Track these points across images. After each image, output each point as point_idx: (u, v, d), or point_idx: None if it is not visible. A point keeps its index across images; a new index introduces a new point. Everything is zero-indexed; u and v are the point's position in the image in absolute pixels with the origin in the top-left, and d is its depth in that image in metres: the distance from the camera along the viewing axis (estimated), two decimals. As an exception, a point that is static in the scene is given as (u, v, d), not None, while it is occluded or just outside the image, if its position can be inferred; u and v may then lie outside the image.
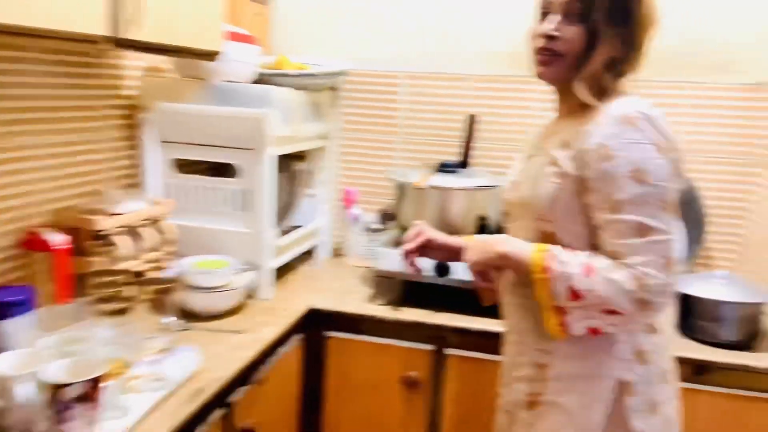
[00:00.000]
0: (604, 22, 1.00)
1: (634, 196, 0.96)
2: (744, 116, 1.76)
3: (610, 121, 0.98)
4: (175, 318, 1.41)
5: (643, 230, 0.96)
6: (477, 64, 1.92)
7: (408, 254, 1.24)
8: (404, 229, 1.74)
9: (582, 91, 1.03)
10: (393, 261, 1.64)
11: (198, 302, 1.46)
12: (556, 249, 1.02)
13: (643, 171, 0.95)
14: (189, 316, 1.45)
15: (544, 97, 1.67)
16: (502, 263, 1.10)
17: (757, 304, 1.47)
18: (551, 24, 1.04)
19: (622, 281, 0.96)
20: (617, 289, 0.96)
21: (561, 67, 1.04)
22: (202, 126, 1.60)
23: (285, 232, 1.80)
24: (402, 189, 1.72)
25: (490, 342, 1.37)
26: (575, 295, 0.98)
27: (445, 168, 1.73)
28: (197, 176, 1.68)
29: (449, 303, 1.60)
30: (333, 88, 1.99)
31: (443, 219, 1.65)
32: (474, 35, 1.91)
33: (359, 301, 1.67)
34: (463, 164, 1.93)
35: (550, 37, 1.04)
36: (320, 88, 1.82)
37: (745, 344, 1.47)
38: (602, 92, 1.03)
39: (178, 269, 1.51)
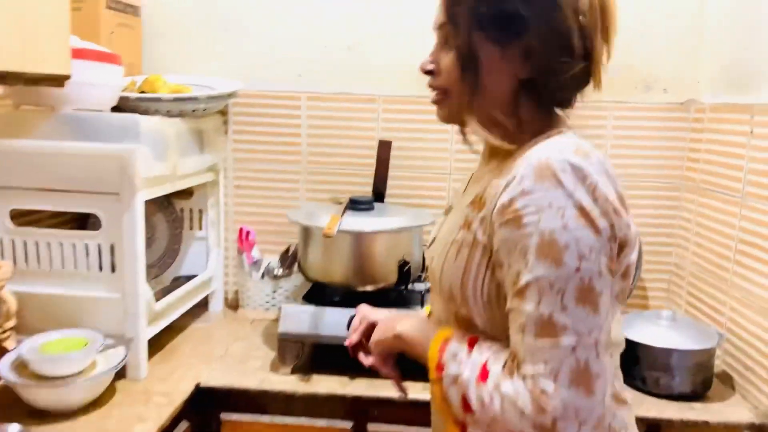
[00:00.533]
0: (479, 37, 0.77)
1: (540, 279, 0.69)
2: (669, 137, 1.64)
3: (524, 173, 0.72)
4: (18, 426, 1.06)
5: (546, 328, 0.69)
6: (388, 84, 1.69)
7: (354, 350, 1.01)
8: (310, 278, 1.48)
9: (480, 131, 0.81)
10: (299, 319, 1.37)
11: (45, 398, 1.13)
12: (456, 340, 0.79)
13: (555, 244, 0.68)
14: (37, 415, 1.11)
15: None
16: (400, 347, 0.89)
17: (710, 349, 1.32)
18: (429, 55, 0.84)
19: (513, 397, 0.70)
20: (509, 407, 0.70)
21: (450, 105, 0.83)
22: (50, 167, 1.26)
23: (164, 291, 1.48)
24: (307, 233, 1.46)
25: (420, 412, 1.12)
26: (466, 406, 0.75)
27: (356, 205, 1.48)
28: (46, 230, 1.34)
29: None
30: (221, 113, 1.70)
31: (358, 266, 1.40)
32: (384, 51, 1.68)
33: (260, 371, 1.38)
34: (378, 197, 1.69)
35: (428, 72, 0.84)
36: (205, 113, 1.52)
37: (699, 394, 1.32)
38: (521, 127, 0.80)
39: (17, 354, 1.16)
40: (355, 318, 1.02)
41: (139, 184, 1.24)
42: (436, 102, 0.86)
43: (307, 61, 1.70)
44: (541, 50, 0.75)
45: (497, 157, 0.84)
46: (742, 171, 1.37)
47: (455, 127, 0.88)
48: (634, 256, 0.76)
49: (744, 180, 1.36)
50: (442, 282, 0.83)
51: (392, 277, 1.41)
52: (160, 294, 1.44)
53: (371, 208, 1.49)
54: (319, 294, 1.47)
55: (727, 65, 1.50)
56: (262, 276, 1.73)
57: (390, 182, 1.70)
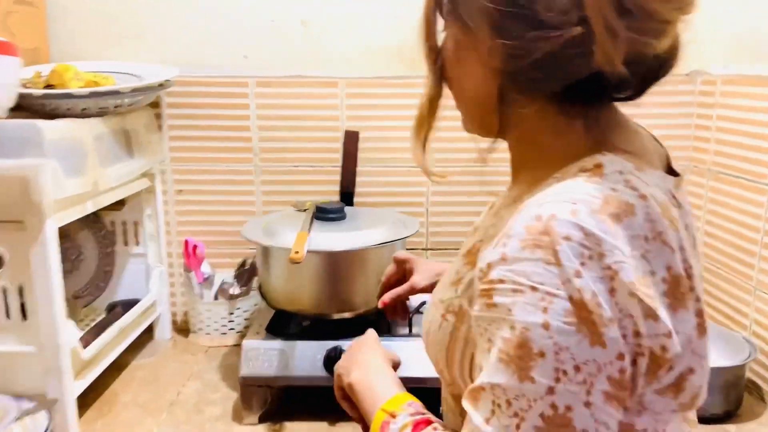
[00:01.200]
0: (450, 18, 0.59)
1: (496, 388, 0.48)
2: (672, 114, 1.45)
3: (514, 230, 0.49)
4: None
5: None
6: (352, 64, 1.43)
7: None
8: (274, 305, 1.24)
9: (480, 131, 0.64)
10: (265, 357, 1.14)
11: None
12: (404, 411, 0.62)
13: (526, 347, 0.46)
14: None
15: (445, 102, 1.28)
16: (350, 395, 0.73)
17: (742, 366, 1.15)
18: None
19: None
20: None
21: (467, 118, 0.65)
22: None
23: (97, 328, 1.21)
24: (267, 253, 1.21)
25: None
26: None
27: (324, 214, 1.24)
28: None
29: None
30: (153, 106, 1.41)
31: (332, 291, 1.16)
32: (345, 25, 1.42)
33: (222, 422, 1.14)
34: (347, 198, 1.46)
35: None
36: (132, 108, 1.24)
37: (732, 413, 1.15)
38: (537, 144, 0.59)
39: None
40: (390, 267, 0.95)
41: (49, 209, 0.97)
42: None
43: (253, 40, 1.43)
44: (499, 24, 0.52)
45: (519, 184, 0.61)
46: (767, 154, 1.20)
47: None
48: (691, 364, 0.52)
49: (772, 165, 1.19)
50: (429, 353, 0.64)
51: (373, 300, 1.18)
52: (92, 334, 1.17)
53: (342, 217, 1.25)
54: (285, 322, 1.23)
55: (739, 32, 1.31)
56: (216, 296, 1.48)
57: (359, 179, 1.47)
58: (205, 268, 1.50)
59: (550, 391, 0.45)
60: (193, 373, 1.33)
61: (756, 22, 1.26)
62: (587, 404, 0.46)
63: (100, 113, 1.16)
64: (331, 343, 1.13)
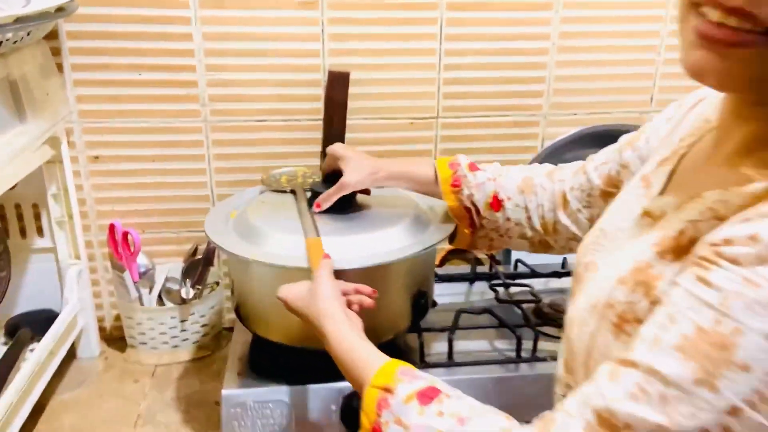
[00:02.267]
0: None
1: (655, 373, 0.37)
2: None
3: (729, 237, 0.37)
4: None
5: None
6: (334, -24, 1.03)
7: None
8: (251, 327, 0.89)
9: None
10: (257, 417, 0.81)
11: None
12: (400, 382, 0.52)
13: (728, 352, 0.35)
14: None
15: (459, 30, 1.06)
16: (317, 335, 0.65)
17: None
18: None
19: None
20: None
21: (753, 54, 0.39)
22: None
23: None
24: (248, 268, 0.84)
25: None
26: None
27: (316, 195, 0.88)
28: None
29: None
30: (49, 38, 0.96)
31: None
32: None
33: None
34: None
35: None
36: (17, 46, 0.80)
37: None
38: None
39: None
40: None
41: None
42: (721, 43, 0.40)
43: (192, -62, 0.98)
44: None
45: (744, 154, 0.44)
46: None
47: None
48: None
49: None
50: (589, 369, 0.48)
51: (402, 322, 0.86)
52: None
53: (349, 206, 0.89)
54: (272, 353, 0.88)
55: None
56: (160, 299, 1.10)
57: (348, 137, 1.10)
58: (142, 259, 1.11)
59: (734, 412, 0.35)
60: (142, 414, 0.98)
61: None
62: None
63: (-36, 58, 0.72)
64: (348, 386, 0.80)
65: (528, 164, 1.09)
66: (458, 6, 1.06)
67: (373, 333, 0.82)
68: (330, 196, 0.86)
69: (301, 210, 0.88)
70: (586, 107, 1.16)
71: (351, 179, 0.84)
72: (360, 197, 0.93)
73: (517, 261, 1.13)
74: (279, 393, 0.81)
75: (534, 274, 1.10)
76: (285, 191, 0.97)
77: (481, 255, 1.20)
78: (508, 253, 1.19)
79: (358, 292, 0.70)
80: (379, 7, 1.04)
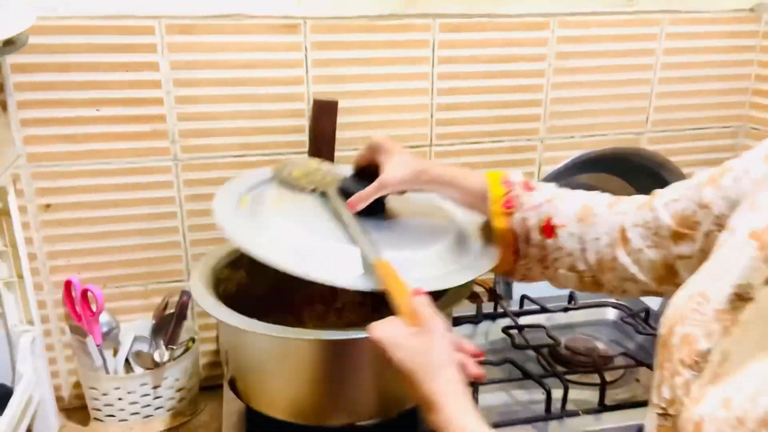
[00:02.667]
0: None
1: None
2: (732, 62, 1.13)
3: None
4: None
5: None
6: (316, -4, 0.93)
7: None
8: (257, 405, 0.77)
9: None
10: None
11: None
12: None
13: None
14: None
15: (452, 53, 0.98)
16: (419, 401, 0.53)
17: None
18: None
19: None
20: None
21: None
22: None
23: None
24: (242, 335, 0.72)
25: None
26: None
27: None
28: None
29: None
30: (-13, 71, 0.82)
31: (372, 383, 0.72)
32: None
33: None
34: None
35: None
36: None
37: None
38: None
39: None
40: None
41: None
42: None
43: (156, -44, 0.86)
44: None
45: None
46: None
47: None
48: None
49: None
50: None
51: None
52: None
53: (381, 209, 0.77)
54: (271, 429, 0.77)
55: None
56: (128, 365, 0.96)
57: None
58: (104, 318, 0.97)
59: None
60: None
61: None
62: None
63: None
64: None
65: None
66: (451, 27, 0.98)
67: (394, 402, 0.73)
68: (367, 197, 0.72)
69: (342, 216, 0.72)
70: (582, 130, 1.10)
71: (393, 177, 0.72)
72: (391, 200, 0.79)
73: (523, 297, 1.05)
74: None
75: (543, 309, 1.02)
76: (305, 190, 0.79)
77: (479, 289, 1.12)
78: (509, 286, 1.12)
79: (461, 349, 0.56)
80: (367, 29, 0.95)
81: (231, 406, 0.82)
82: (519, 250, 0.73)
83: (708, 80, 1.13)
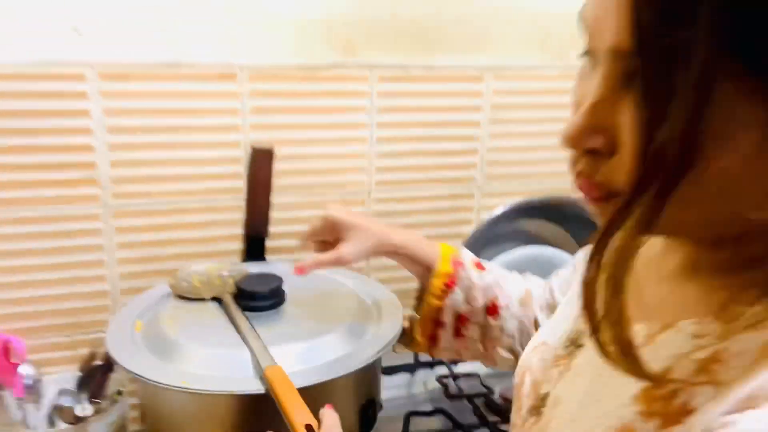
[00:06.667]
0: (723, 69, 0.30)
1: None
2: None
3: None
4: None
5: None
6: (255, 45, 0.93)
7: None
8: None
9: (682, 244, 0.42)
10: None
11: None
12: None
13: None
14: None
15: (391, 102, 1.00)
16: None
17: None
18: (582, 111, 0.37)
19: None
20: None
21: (631, 205, 0.33)
22: None
23: None
24: (163, 395, 0.70)
25: None
26: None
27: (253, 302, 0.77)
28: None
29: None
30: None
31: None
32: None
33: None
34: (256, 250, 0.98)
35: (591, 150, 0.38)
36: None
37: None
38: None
39: None
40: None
41: None
42: (590, 198, 0.39)
43: (98, 13, 0.85)
44: None
45: (704, 278, 0.40)
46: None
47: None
48: None
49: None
50: None
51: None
52: None
53: (279, 304, 0.79)
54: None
55: None
56: (50, 421, 0.92)
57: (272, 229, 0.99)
58: (26, 369, 0.92)
59: None
60: None
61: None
62: None
63: None
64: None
65: (466, 239, 1.04)
66: (389, 78, 1.00)
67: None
68: (321, 264, 0.72)
69: (235, 321, 0.74)
70: (519, 178, 1.13)
71: (351, 252, 0.70)
72: (293, 283, 0.80)
73: (460, 345, 1.05)
74: None
75: (479, 359, 1.02)
76: (202, 299, 0.82)
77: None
78: (447, 334, 1.12)
79: None
80: (306, 78, 0.96)
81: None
82: (436, 336, 0.74)
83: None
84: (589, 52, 0.39)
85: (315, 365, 0.68)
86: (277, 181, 0.97)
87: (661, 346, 0.39)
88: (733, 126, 0.32)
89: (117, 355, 0.69)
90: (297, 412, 0.57)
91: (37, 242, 0.91)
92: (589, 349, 0.45)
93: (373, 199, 1.05)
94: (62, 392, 0.94)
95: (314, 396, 0.61)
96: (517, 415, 0.52)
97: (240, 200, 0.97)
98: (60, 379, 0.95)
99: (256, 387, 0.63)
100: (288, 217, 1.00)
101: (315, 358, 0.69)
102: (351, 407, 0.74)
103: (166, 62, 0.89)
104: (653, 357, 0.37)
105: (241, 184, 0.97)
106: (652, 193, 0.32)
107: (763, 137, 0.32)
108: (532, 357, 0.52)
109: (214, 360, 0.67)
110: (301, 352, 0.69)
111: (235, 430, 0.65)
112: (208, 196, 0.96)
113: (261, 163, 0.96)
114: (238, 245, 0.98)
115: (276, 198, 0.98)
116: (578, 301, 0.46)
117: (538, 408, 0.48)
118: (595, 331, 0.36)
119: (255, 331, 0.71)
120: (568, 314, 0.51)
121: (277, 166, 0.97)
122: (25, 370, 0.91)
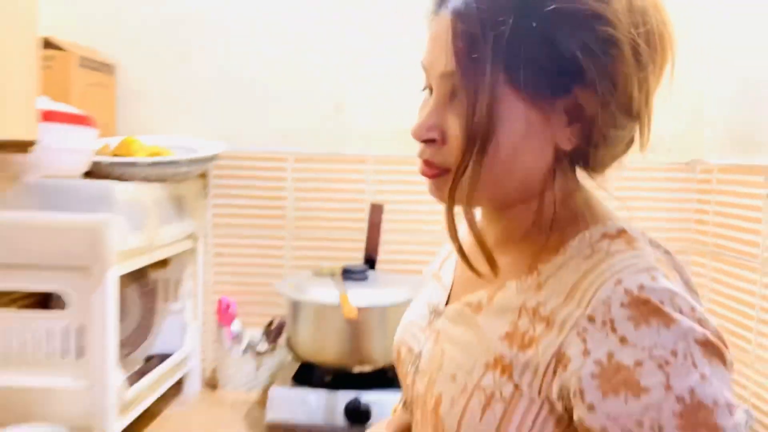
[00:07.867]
0: (508, 92, 0.53)
1: None
2: (674, 198, 1.58)
3: (613, 314, 0.50)
4: None
5: None
6: (378, 143, 1.60)
7: None
8: (300, 357, 1.34)
9: (495, 218, 0.64)
10: (290, 404, 1.23)
11: None
12: None
13: (702, 405, 0.47)
14: None
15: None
16: None
17: None
18: (424, 116, 0.59)
19: None
20: None
21: (454, 183, 0.56)
22: (12, 240, 1.12)
23: (136, 374, 1.32)
24: (297, 308, 1.33)
25: None
26: None
27: (350, 274, 1.37)
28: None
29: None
30: (202, 176, 1.58)
31: (356, 345, 1.27)
32: (372, 109, 1.60)
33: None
34: (370, 265, 1.58)
35: (428, 141, 0.59)
36: (185, 177, 1.40)
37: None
38: (555, 213, 0.59)
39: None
40: None
41: (113, 258, 1.11)
42: (429, 176, 0.60)
43: (292, 121, 1.60)
44: (597, 109, 0.54)
45: (516, 246, 0.61)
46: (760, 235, 1.30)
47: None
48: None
49: (762, 245, 1.29)
50: None
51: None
52: (132, 378, 1.28)
53: (365, 278, 1.37)
54: (308, 374, 1.34)
55: (733, 126, 1.46)
56: (244, 351, 1.58)
57: (383, 248, 1.59)
58: (236, 326, 1.61)
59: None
60: (220, 424, 1.42)
61: (748, 117, 1.40)
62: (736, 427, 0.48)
63: (159, 179, 1.32)
64: (351, 394, 1.22)
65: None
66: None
67: (369, 359, 1.26)
68: None
69: (337, 280, 1.35)
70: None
71: None
72: (373, 273, 1.40)
73: None
74: (303, 393, 1.24)
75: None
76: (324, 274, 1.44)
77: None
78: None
79: None
80: (407, 163, 1.59)
81: (289, 366, 1.39)
82: None
83: (659, 210, 1.57)
84: (428, 87, 0.60)
85: (380, 302, 1.25)
86: (386, 226, 1.59)
87: (498, 302, 0.57)
88: (511, 115, 0.52)
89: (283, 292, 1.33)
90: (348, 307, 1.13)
91: (248, 249, 1.62)
92: (447, 315, 0.64)
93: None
94: (253, 338, 1.61)
95: (378, 320, 1.22)
96: (402, 378, 0.69)
97: (362, 236, 1.60)
98: (252, 333, 1.62)
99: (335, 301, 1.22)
100: (392, 249, 1.60)
101: (383, 300, 1.26)
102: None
103: (329, 153, 1.59)
104: (496, 310, 0.56)
105: (363, 225, 1.60)
106: (471, 166, 0.52)
107: (526, 123, 0.53)
108: (403, 334, 0.70)
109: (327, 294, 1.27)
110: (374, 295, 1.27)
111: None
112: (344, 231, 1.61)
113: (375, 214, 1.59)
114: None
115: (384, 236, 1.59)
116: (436, 281, 0.70)
117: (415, 363, 0.66)
118: (465, 258, 0.56)
119: (343, 285, 1.30)
120: (426, 295, 0.70)
121: (386, 216, 1.59)
122: (234, 324, 1.60)
